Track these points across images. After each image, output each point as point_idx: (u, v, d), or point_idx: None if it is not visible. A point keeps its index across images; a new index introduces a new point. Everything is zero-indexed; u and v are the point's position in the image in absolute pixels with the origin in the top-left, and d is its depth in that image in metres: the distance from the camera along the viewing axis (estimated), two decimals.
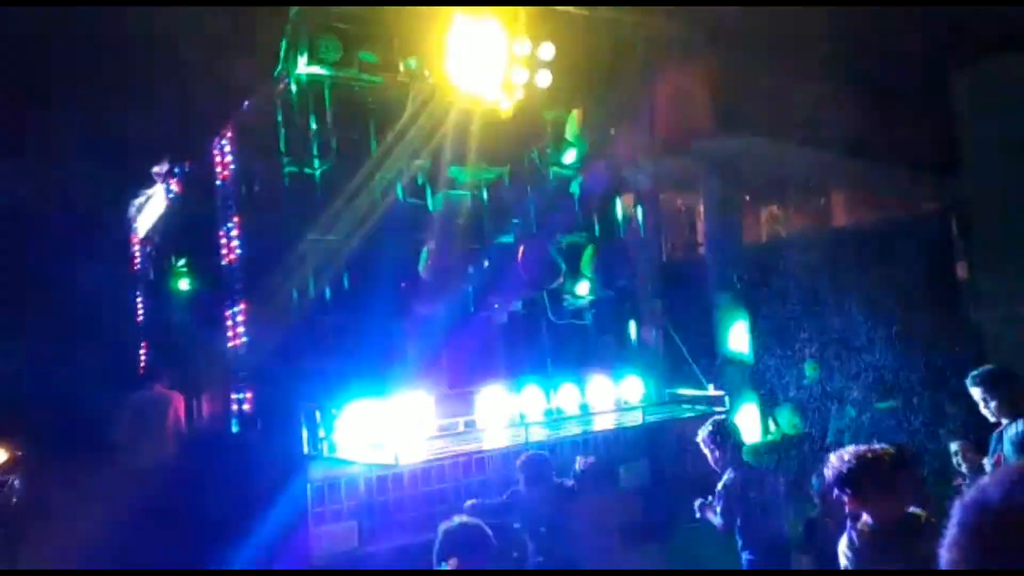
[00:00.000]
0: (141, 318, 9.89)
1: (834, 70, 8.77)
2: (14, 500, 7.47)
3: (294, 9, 5.33)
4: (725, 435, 4.53)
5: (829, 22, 8.39)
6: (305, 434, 5.09)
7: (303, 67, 5.44)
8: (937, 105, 8.04)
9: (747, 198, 13.28)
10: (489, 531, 3.13)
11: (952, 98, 7.87)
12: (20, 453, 8.25)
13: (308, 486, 5.19)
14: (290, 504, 5.19)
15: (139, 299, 9.97)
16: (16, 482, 7.72)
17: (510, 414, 5.69)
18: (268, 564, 5.11)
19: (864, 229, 12.83)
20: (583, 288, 6.34)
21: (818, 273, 10.47)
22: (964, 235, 9.88)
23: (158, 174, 8.55)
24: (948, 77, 7.79)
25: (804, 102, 9.13)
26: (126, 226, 10.22)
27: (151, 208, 9.42)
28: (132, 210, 10.03)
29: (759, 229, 15.17)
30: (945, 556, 0.99)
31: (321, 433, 5.06)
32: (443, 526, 3.18)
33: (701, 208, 11.22)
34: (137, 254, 10.12)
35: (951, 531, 0.99)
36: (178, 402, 7.59)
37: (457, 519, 3.21)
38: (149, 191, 9.23)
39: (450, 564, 3.04)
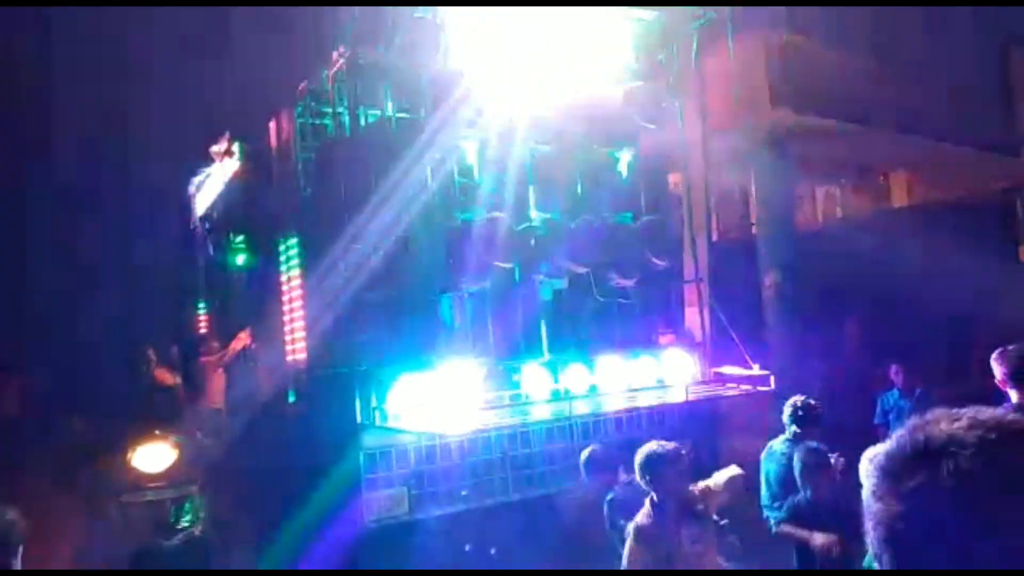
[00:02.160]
0: (202, 293, 10.29)
1: (892, 46, 8.56)
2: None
3: None
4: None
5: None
6: (358, 404, 5.28)
7: (360, 47, 5.58)
8: (999, 83, 7.79)
9: (802, 178, 13.04)
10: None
11: (1012, 76, 7.61)
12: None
13: (361, 454, 5.40)
14: (344, 471, 5.41)
15: (200, 275, 10.35)
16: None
17: (554, 389, 5.80)
18: (323, 529, 5.35)
19: (925, 209, 12.51)
20: (629, 266, 6.37)
21: (876, 254, 10.26)
22: None
23: (217, 152, 8.85)
24: (1008, 54, 7.52)
25: (861, 79, 8.92)
26: (186, 204, 10.60)
27: (210, 186, 9.74)
28: (192, 188, 10.40)
29: (815, 209, 14.88)
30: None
31: (374, 403, 5.25)
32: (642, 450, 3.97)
33: (754, 187, 11.08)
34: (197, 231, 10.49)
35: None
36: None
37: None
38: (208, 169, 9.55)
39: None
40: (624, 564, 3.98)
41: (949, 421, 1.00)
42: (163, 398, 8.90)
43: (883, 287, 10.29)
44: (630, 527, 4.01)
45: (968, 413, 1.01)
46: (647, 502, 4.05)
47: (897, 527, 0.98)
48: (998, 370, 4.08)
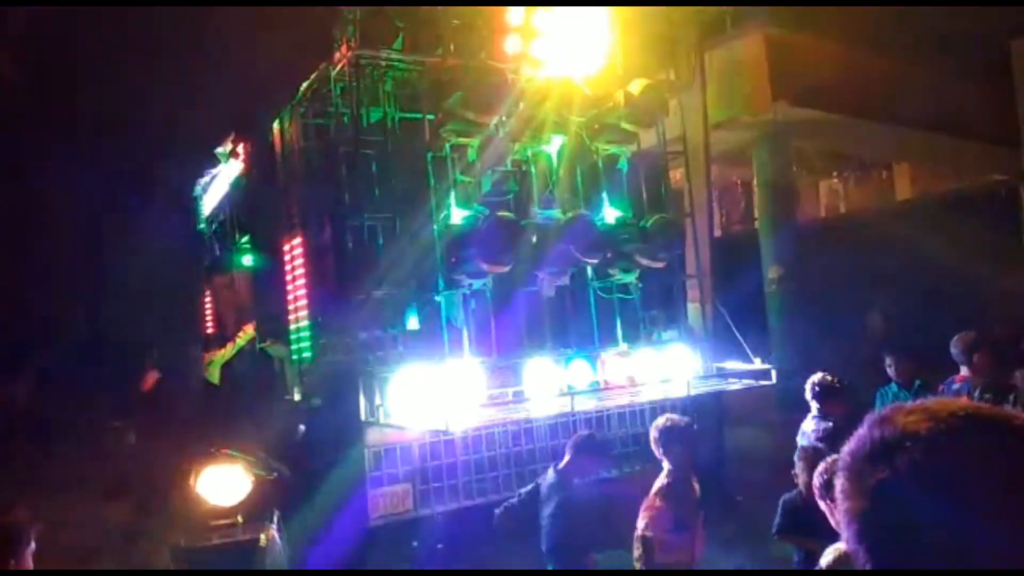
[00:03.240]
0: (208, 292, 10.36)
1: (893, 41, 8.55)
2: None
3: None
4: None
5: None
6: (363, 401, 5.33)
7: (360, 48, 5.63)
8: (1000, 76, 7.78)
9: (805, 172, 13.04)
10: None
11: (1013, 69, 7.61)
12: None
13: (365, 451, 5.45)
14: (349, 468, 5.47)
15: (207, 274, 10.42)
16: None
17: (557, 385, 5.84)
18: (329, 524, 5.41)
19: (928, 202, 12.49)
20: (631, 262, 6.40)
21: (880, 246, 10.26)
22: None
23: (222, 153, 8.91)
24: (1009, 48, 7.52)
25: (862, 73, 8.92)
26: (192, 204, 10.67)
27: (216, 187, 9.81)
28: (198, 189, 10.47)
29: (818, 202, 14.87)
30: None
31: (377, 400, 5.30)
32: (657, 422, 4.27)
33: (756, 181, 11.09)
34: (204, 231, 10.56)
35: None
36: None
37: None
38: (214, 170, 9.62)
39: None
40: (643, 526, 4.13)
41: (904, 415, 1.04)
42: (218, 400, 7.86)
43: (887, 279, 10.30)
44: (656, 488, 4.22)
45: (922, 405, 1.05)
46: (665, 468, 4.29)
47: (866, 523, 1.02)
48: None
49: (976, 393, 5.39)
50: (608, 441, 5.78)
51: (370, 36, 5.75)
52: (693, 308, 7.28)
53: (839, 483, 1.07)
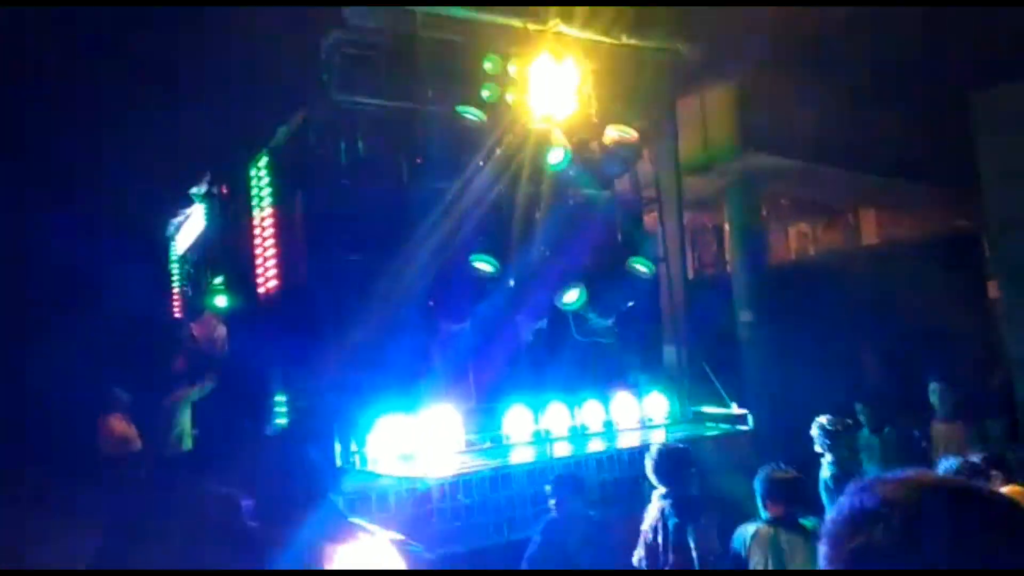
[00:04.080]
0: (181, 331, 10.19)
1: (860, 89, 8.82)
2: None
3: (331, 35, 5.57)
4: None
5: (853, 42, 8.46)
6: (338, 447, 5.25)
7: (337, 94, 5.67)
8: (960, 126, 8.06)
9: (775, 217, 13.31)
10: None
11: (971, 119, 7.89)
12: None
13: (340, 499, 5.34)
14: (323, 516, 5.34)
15: (177, 314, 10.27)
16: None
17: (535, 430, 5.81)
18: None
19: (893, 246, 12.78)
20: (607, 306, 6.44)
21: (848, 291, 10.45)
22: (995, 253, 9.78)
23: (196, 194, 8.86)
24: (968, 98, 7.81)
25: (829, 120, 9.18)
26: (164, 243, 10.57)
27: (189, 227, 9.73)
28: (171, 228, 10.38)
29: (788, 247, 15.15)
30: None
31: (353, 447, 5.22)
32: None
33: (727, 226, 11.28)
34: (175, 271, 10.44)
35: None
36: None
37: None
38: (188, 210, 9.55)
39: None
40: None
41: (882, 485, 1.10)
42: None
43: (856, 323, 10.47)
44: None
45: (901, 476, 1.11)
46: (655, 497, 4.45)
47: None
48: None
49: None
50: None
51: (349, 80, 5.79)
52: (668, 352, 7.31)
53: (821, 548, 1.12)
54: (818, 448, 5.29)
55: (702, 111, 8.96)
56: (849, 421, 5.41)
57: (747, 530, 4.09)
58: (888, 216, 13.69)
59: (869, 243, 13.79)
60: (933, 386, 6.65)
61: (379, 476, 5.16)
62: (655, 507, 4.40)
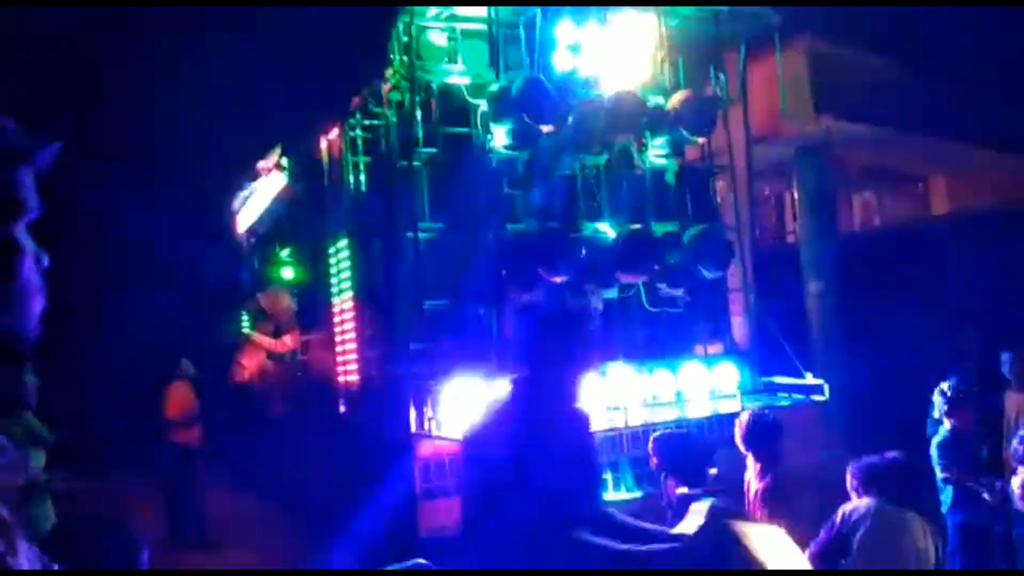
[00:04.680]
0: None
1: (931, 53, 8.48)
2: None
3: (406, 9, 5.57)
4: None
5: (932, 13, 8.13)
6: (413, 413, 5.33)
7: (410, 65, 5.68)
8: None
9: (841, 185, 12.94)
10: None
11: None
12: None
13: (415, 463, 5.43)
14: (399, 481, 5.45)
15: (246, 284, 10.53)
16: None
17: (605, 398, 5.80)
18: (378, 539, 5.39)
19: (964, 216, 12.32)
20: (677, 276, 6.37)
21: (916, 262, 10.15)
22: None
23: (265, 168, 9.01)
24: None
25: (901, 85, 8.86)
26: (231, 217, 10.80)
27: (255, 200, 9.92)
28: (237, 202, 10.59)
29: (852, 216, 14.74)
30: None
31: (427, 412, 5.30)
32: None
33: (794, 195, 11.02)
34: (243, 243, 10.68)
35: None
36: None
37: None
38: (254, 184, 9.73)
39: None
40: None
41: None
42: None
43: (926, 295, 10.17)
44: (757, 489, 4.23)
45: None
46: (755, 466, 4.30)
47: None
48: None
49: None
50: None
51: (422, 51, 5.81)
52: (737, 323, 7.21)
53: None
54: (936, 414, 5.34)
55: (773, 76, 8.73)
56: (973, 390, 5.39)
57: (856, 508, 3.90)
58: (959, 184, 13.18)
59: (939, 212, 13.33)
60: (1005, 356, 6.49)
61: (454, 441, 5.23)
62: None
